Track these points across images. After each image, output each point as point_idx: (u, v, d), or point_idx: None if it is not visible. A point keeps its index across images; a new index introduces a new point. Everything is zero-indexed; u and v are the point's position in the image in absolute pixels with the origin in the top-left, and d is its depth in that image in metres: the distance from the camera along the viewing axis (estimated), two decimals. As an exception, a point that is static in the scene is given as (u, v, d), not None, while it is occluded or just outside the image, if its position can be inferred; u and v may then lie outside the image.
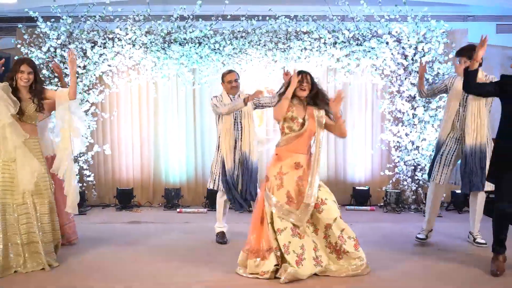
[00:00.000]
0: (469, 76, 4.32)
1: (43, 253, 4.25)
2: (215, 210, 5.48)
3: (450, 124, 5.10)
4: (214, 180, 5.34)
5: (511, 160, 4.06)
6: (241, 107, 5.14)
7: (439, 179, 5.10)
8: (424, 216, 5.34)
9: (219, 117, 5.32)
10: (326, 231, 4.15)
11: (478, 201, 5.09)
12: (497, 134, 4.30)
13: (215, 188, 5.36)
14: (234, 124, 5.27)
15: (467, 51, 4.92)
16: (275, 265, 4.04)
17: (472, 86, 4.36)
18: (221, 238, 5.33)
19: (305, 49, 7.20)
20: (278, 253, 4.06)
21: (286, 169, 4.15)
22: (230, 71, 5.46)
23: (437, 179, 5.11)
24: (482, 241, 5.01)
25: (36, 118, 4.46)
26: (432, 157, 5.50)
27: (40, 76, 6.95)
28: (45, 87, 4.57)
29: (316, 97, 4.30)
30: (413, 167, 7.24)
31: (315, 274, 4.12)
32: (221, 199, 5.35)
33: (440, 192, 5.28)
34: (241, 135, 5.28)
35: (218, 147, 5.34)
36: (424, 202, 6.89)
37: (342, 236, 4.12)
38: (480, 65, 4.42)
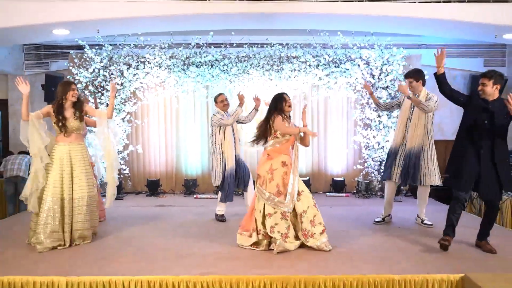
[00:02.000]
0: (440, 79, 4.00)
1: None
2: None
3: (402, 133, 4.99)
4: (219, 177, 5.33)
5: (466, 164, 3.93)
6: (241, 111, 5.31)
7: (395, 178, 5.02)
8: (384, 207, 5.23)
9: (219, 129, 5.29)
10: (301, 218, 4.09)
11: (426, 191, 5.03)
12: (456, 137, 4.12)
13: (219, 184, 5.37)
14: (232, 136, 5.35)
15: (413, 74, 4.93)
16: (268, 241, 4.06)
17: (446, 87, 3.99)
18: (221, 217, 5.39)
19: (294, 70, 7.22)
20: (263, 233, 4.07)
21: (275, 166, 4.12)
22: (221, 94, 5.50)
23: (391, 178, 5.04)
24: (429, 222, 4.98)
25: (79, 128, 4.32)
26: (385, 160, 5.32)
27: (85, 91, 7.04)
28: (85, 103, 4.47)
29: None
30: (379, 163, 7.24)
31: (300, 247, 4.13)
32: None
33: (394, 187, 5.20)
34: (235, 141, 5.39)
35: (222, 152, 5.30)
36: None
37: (313, 221, 4.09)
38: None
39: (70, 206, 4.22)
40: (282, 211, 4.04)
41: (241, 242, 4.20)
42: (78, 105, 4.32)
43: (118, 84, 7.16)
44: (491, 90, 3.89)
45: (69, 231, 4.23)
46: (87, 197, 4.29)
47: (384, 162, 5.26)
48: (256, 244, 4.13)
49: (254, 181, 4.84)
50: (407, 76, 5.01)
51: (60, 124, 4.22)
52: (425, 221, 5.00)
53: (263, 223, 4.07)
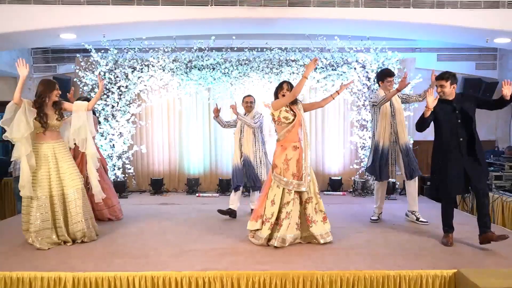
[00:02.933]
0: (424, 122, 4.05)
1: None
2: (226, 195, 5.52)
3: (388, 131, 4.95)
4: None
5: (449, 166, 3.99)
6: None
7: (390, 176, 5.02)
8: (375, 203, 5.20)
9: (234, 123, 5.60)
10: (306, 204, 4.14)
11: (415, 184, 5.02)
12: (435, 147, 4.17)
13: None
14: (240, 136, 5.41)
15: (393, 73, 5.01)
16: (268, 235, 4.06)
17: (423, 127, 4.10)
18: (229, 210, 5.38)
19: (293, 73, 7.21)
20: (273, 221, 4.07)
21: (290, 155, 4.12)
22: (249, 95, 5.57)
23: (389, 177, 5.02)
24: (424, 220, 4.96)
25: (59, 126, 4.26)
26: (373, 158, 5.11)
27: (92, 94, 7.04)
28: (63, 101, 4.33)
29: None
30: (374, 162, 7.24)
31: (299, 243, 4.14)
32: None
33: (385, 185, 5.22)
34: (244, 143, 5.38)
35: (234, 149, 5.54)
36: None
37: (315, 208, 4.17)
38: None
39: (61, 203, 4.14)
40: (292, 198, 4.07)
41: (249, 227, 4.24)
42: (58, 104, 4.24)
43: (123, 86, 7.17)
44: (449, 90, 4.06)
45: (64, 227, 4.14)
46: (81, 189, 4.23)
47: (372, 162, 5.07)
48: (257, 232, 4.15)
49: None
50: (393, 75, 5.06)
51: (42, 120, 4.10)
52: (421, 219, 4.99)
53: (280, 211, 4.08)
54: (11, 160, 4.18)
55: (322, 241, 4.09)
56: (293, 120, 4.17)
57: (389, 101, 4.94)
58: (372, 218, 5.14)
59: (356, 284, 3.31)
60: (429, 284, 3.31)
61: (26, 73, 4.04)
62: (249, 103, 5.44)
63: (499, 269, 3.39)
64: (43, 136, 4.18)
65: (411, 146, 5.04)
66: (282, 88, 4.26)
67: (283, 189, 4.11)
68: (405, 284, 3.31)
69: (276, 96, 4.32)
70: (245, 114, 5.46)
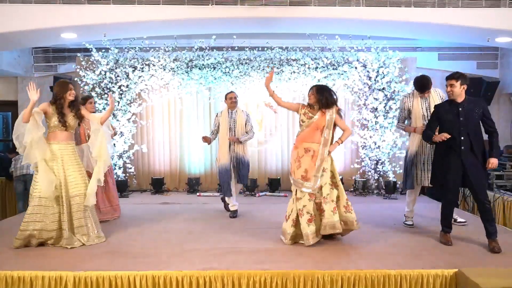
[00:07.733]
0: (427, 131, 4.16)
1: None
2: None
3: (418, 139, 4.70)
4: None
5: (449, 167, 4.00)
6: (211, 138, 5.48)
7: (427, 182, 4.73)
8: (407, 207, 4.93)
9: (218, 126, 5.45)
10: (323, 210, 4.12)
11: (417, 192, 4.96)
12: (435, 148, 4.18)
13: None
14: (229, 133, 5.34)
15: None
16: (293, 232, 4.10)
17: (429, 138, 4.13)
18: (233, 214, 5.38)
19: (294, 72, 7.22)
20: (294, 218, 4.11)
21: (301, 153, 4.15)
22: (231, 92, 5.57)
23: (424, 183, 4.77)
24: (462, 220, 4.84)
25: (75, 127, 4.25)
26: (404, 167, 5.04)
27: (92, 93, 7.05)
28: (82, 106, 4.39)
29: (326, 104, 4.20)
30: (375, 162, 7.24)
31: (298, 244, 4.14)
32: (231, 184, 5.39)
33: (417, 189, 4.94)
34: (233, 141, 5.34)
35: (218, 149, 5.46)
36: (383, 188, 6.94)
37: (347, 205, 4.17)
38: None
39: (67, 205, 4.10)
40: (309, 193, 4.06)
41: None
42: (76, 104, 4.24)
43: (124, 86, 7.18)
44: (459, 91, 3.99)
45: (69, 229, 4.10)
46: (84, 195, 4.17)
47: (404, 170, 4.94)
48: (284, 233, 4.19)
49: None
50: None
51: (62, 120, 4.11)
52: (458, 219, 4.83)
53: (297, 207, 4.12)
54: (23, 163, 4.27)
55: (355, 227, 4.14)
56: (309, 122, 4.17)
57: (423, 106, 4.73)
58: (406, 223, 4.91)
59: (357, 283, 3.31)
60: (430, 283, 3.31)
61: (36, 98, 3.97)
62: (233, 99, 5.40)
63: (500, 269, 3.39)
64: (54, 136, 4.15)
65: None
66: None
67: None
68: (406, 283, 3.31)
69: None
70: (229, 110, 5.40)
